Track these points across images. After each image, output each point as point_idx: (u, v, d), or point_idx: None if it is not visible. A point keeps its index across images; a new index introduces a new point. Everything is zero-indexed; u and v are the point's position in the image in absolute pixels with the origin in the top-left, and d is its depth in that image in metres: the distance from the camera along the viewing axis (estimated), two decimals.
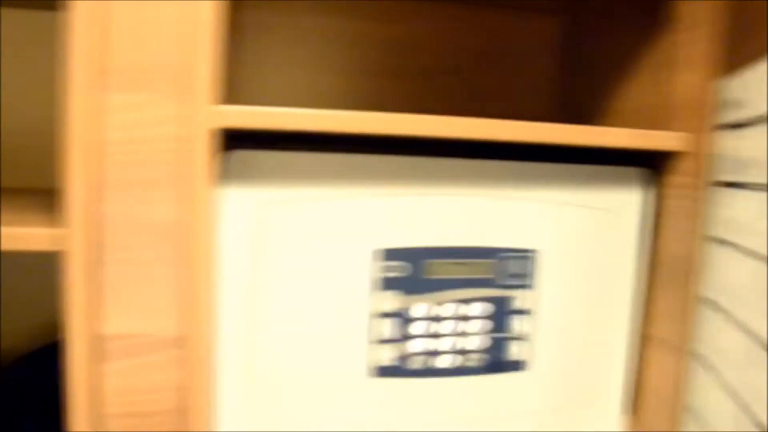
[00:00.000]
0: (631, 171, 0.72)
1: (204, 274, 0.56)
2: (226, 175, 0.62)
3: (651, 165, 0.73)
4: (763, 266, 0.51)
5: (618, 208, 0.72)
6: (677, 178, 0.70)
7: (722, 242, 0.58)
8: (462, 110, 1.05)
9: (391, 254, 0.66)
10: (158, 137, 0.55)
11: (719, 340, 0.57)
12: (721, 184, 0.59)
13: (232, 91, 0.96)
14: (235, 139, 0.66)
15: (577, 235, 0.71)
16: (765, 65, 0.53)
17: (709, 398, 0.58)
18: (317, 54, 0.99)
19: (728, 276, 0.56)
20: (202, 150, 0.55)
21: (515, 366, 0.71)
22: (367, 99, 1.01)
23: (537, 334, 0.71)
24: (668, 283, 0.71)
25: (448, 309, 0.68)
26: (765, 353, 0.49)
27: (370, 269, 0.66)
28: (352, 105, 1.01)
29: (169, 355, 0.58)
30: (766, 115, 0.52)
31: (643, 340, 0.75)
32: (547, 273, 0.71)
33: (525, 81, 1.07)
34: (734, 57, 0.59)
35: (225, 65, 0.86)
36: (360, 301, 0.66)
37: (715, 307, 0.59)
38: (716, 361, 0.57)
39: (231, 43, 0.96)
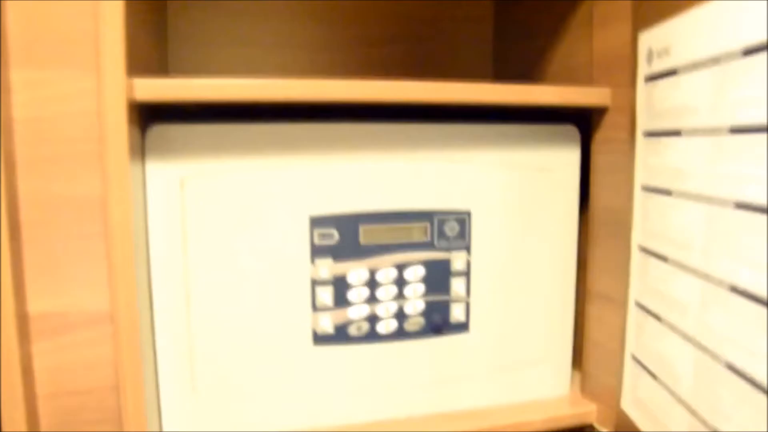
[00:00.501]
0: (566, 129, 0.71)
1: (124, 249, 0.55)
2: (146, 150, 0.61)
3: (585, 123, 0.73)
4: (705, 208, 0.50)
5: (555, 166, 0.71)
6: (607, 133, 0.69)
7: (660, 190, 0.58)
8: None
9: (325, 221, 0.65)
10: (70, 112, 0.54)
11: (668, 288, 0.56)
12: (656, 134, 0.58)
13: (174, 67, 0.94)
14: (166, 116, 0.64)
15: (514, 195, 0.70)
16: (689, 12, 0.52)
17: (663, 348, 0.58)
18: (258, 28, 0.97)
19: (670, 223, 0.56)
20: (117, 124, 0.54)
21: (457, 328, 0.71)
22: (308, 71, 1.00)
23: (477, 295, 0.71)
24: (605, 238, 0.71)
25: (386, 274, 0.67)
26: (723, 293, 0.49)
27: (304, 238, 0.65)
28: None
29: (100, 332, 0.58)
30: (694, 61, 0.52)
31: (586, 296, 0.75)
32: (484, 234, 0.70)
33: (464, 49, 1.06)
34: (656, 7, 0.58)
35: (155, 39, 0.84)
36: (296, 270, 0.65)
37: (660, 256, 0.58)
38: (666, 310, 0.57)
39: (172, 19, 0.94)
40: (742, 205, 0.46)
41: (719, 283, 0.49)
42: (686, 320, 0.54)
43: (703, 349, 0.51)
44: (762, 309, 0.44)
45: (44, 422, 0.57)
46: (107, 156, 0.54)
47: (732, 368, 0.48)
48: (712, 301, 0.50)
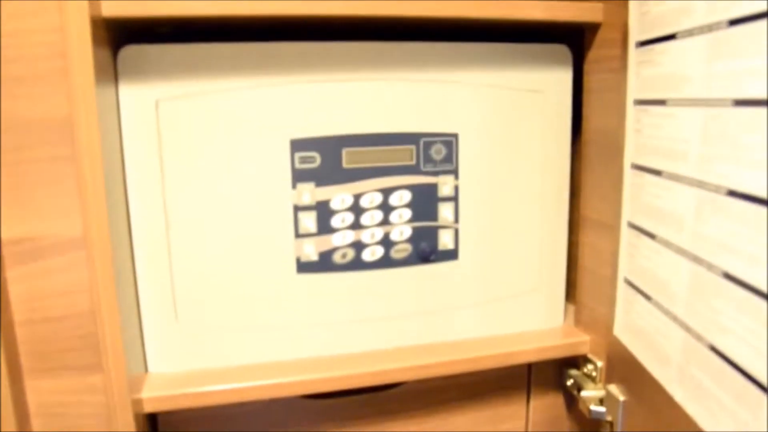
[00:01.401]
0: (558, 48, 0.67)
1: (93, 172, 0.52)
2: (119, 71, 0.57)
3: (576, 44, 0.69)
4: (701, 112, 0.46)
5: (546, 87, 0.67)
6: (599, 51, 0.65)
7: (654, 101, 0.54)
8: None
9: (306, 144, 0.62)
10: (34, 29, 0.50)
11: (662, 203, 0.53)
12: (649, 42, 0.54)
13: None
14: (141, 38, 0.60)
15: (504, 118, 0.67)
16: None
17: (657, 267, 0.55)
18: None
19: (665, 134, 0.52)
20: (81, 41, 0.50)
21: (445, 256, 0.68)
22: None
23: (466, 221, 0.68)
24: (597, 161, 0.67)
25: (371, 199, 0.64)
26: (721, 199, 0.45)
27: (285, 162, 0.62)
28: None
29: (73, 257, 0.55)
30: None
31: (579, 224, 0.72)
32: (473, 158, 0.66)
33: None
34: None
35: None
36: (277, 196, 0.62)
37: (653, 170, 0.54)
38: (660, 226, 0.54)
39: None
40: (741, 102, 0.42)
41: (716, 189, 0.46)
42: (681, 234, 0.51)
43: (699, 261, 0.48)
44: (762, 210, 0.40)
45: (22, 349, 0.55)
46: (72, 75, 0.50)
47: (729, 277, 0.44)
48: (708, 210, 0.47)
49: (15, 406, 0.54)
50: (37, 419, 0.57)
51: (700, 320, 0.48)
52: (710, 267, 0.47)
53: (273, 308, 0.64)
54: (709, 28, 0.46)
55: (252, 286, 0.63)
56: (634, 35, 0.57)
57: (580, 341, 0.71)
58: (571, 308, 0.76)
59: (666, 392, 0.54)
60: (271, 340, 0.65)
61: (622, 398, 0.63)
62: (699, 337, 0.48)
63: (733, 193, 0.44)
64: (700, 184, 0.48)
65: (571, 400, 0.75)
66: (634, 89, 0.58)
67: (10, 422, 0.54)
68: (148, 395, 0.60)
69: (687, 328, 0.50)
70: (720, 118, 0.45)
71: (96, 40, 0.51)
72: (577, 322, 0.74)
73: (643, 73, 0.56)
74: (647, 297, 0.57)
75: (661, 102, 0.53)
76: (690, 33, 0.48)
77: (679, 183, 0.51)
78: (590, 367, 0.70)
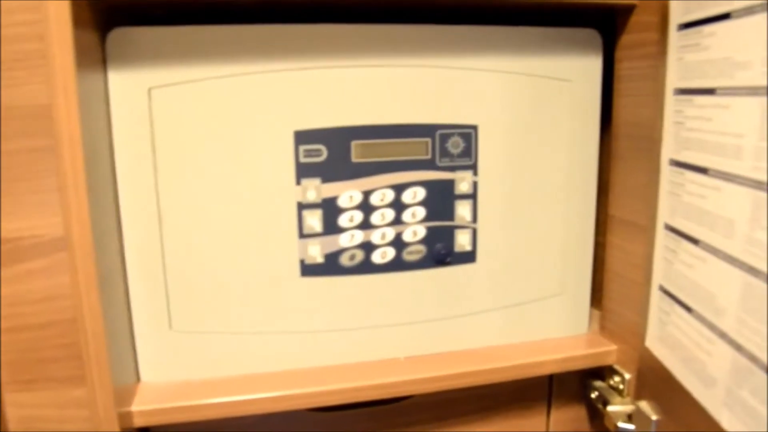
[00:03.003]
0: (587, 33, 0.60)
1: (74, 166, 0.46)
2: (108, 56, 0.51)
3: (607, 29, 0.62)
4: (761, 101, 0.39)
5: (574, 76, 0.60)
6: (633, 36, 0.58)
7: (701, 90, 0.47)
8: None
9: (311, 136, 0.55)
10: (9, 9, 0.44)
11: (708, 204, 0.46)
12: (696, 23, 0.47)
13: None
14: (133, 21, 0.54)
15: (527, 109, 0.60)
16: None
17: (700, 276, 0.48)
18: None
19: (713, 126, 0.45)
20: (62, 24, 0.44)
21: (462, 258, 0.61)
22: None
23: (485, 221, 0.61)
24: (629, 156, 0.60)
25: (381, 196, 0.58)
26: None
27: (289, 155, 0.55)
28: None
29: (56, 259, 0.49)
30: None
31: (607, 224, 0.65)
32: (493, 152, 0.60)
33: None
34: None
35: None
36: (280, 192, 0.56)
37: (698, 168, 0.48)
38: (706, 230, 0.47)
39: None
40: None
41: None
42: (732, 240, 0.44)
43: (754, 272, 0.41)
44: None
45: (5, 359, 0.49)
46: (51, 59, 0.44)
47: None
48: (766, 214, 0.40)
49: None
50: None
51: (754, 338, 0.41)
52: (766, 278, 0.40)
53: (275, 314, 0.58)
54: None
55: (252, 290, 0.57)
56: (676, 16, 0.50)
57: (607, 351, 0.64)
58: (596, 314, 0.69)
59: (708, 415, 0.47)
60: (272, 348, 0.59)
61: (654, 417, 0.56)
62: (753, 358, 0.42)
63: None
64: (757, 185, 0.41)
65: (595, 414, 0.69)
66: (675, 77, 0.51)
67: None
68: (138, 408, 0.55)
69: (738, 347, 0.43)
70: None
71: (79, 22, 0.45)
72: (603, 329, 0.67)
73: (687, 58, 0.49)
74: (687, 308, 0.50)
75: (708, 91, 0.46)
76: (750, 11, 0.41)
77: (731, 182, 0.44)
78: (617, 379, 0.64)
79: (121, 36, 0.51)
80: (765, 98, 0.39)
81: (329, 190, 0.56)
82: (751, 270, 0.41)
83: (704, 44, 0.47)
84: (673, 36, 0.51)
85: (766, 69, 0.39)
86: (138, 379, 0.57)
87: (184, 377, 0.58)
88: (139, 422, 0.54)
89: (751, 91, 0.41)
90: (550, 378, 0.68)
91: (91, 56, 0.49)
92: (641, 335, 0.58)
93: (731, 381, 0.44)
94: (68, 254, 0.48)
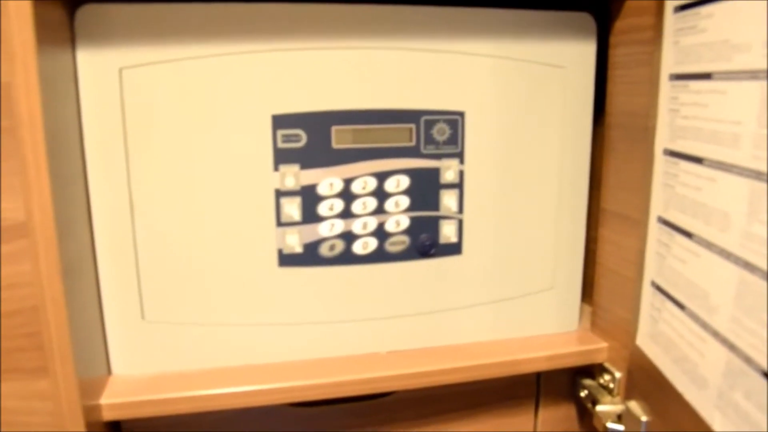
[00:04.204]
0: (580, 17, 0.57)
1: (35, 148, 0.43)
2: (76, 34, 0.48)
3: (601, 13, 0.58)
4: (760, 86, 0.36)
5: (566, 61, 0.57)
6: (628, 20, 0.55)
7: (697, 75, 0.44)
8: None
9: (290, 121, 0.52)
10: None
11: (703, 195, 0.43)
12: (694, 4, 0.44)
13: None
14: None
15: (517, 95, 0.57)
16: None
17: (694, 271, 0.45)
18: None
19: (710, 114, 0.42)
20: None
21: (447, 250, 0.58)
22: None
23: (472, 211, 0.58)
24: (622, 146, 0.57)
25: (363, 184, 0.55)
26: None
27: (266, 140, 0.52)
28: None
29: (19, 245, 0.46)
30: None
31: (599, 217, 0.62)
32: (480, 139, 0.57)
33: None
34: None
35: None
36: (257, 179, 0.53)
37: (693, 158, 0.44)
38: (700, 224, 0.44)
39: None
40: None
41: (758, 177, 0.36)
42: (728, 233, 0.41)
43: (750, 267, 0.38)
44: None
45: None
46: (8, 35, 0.41)
47: None
48: (764, 206, 0.37)
49: None
50: None
51: (748, 338, 0.38)
52: (764, 275, 0.37)
53: (251, 305, 0.55)
54: None
55: (228, 280, 0.54)
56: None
57: (597, 348, 0.61)
58: (587, 310, 0.66)
59: (699, 417, 0.44)
60: (249, 341, 0.56)
61: (644, 419, 0.53)
62: (747, 359, 0.39)
63: None
64: (756, 175, 0.38)
65: (584, 413, 0.66)
66: (671, 62, 0.48)
67: None
68: (108, 401, 0.52)
69: (732, 347, 0.40)
70: None
71: None
72: (594, 326, 0.64)
73: (683, 42, 0.46)
74: (680, 305, 0.47)
75: (705, 76, 0.43)
76: None
77: (727, 173, 0.41)
78: (607, 377, 0.61)
79: (90, 12, 0.48)
80: (765, 82, 0.36)
81: (308, 177, 0.53)
82: (747, 266, 0.38)
83: (701, 26, 0.43)
84: (669, 19, 0.48)
85: (766, 51, 0.36)
86: (109, 371, 0.55)
87: (157, 370, 0.55)
88: (108, 416, 0.52)
89: (751, 75, 0.38)
90: (538, 375, 0.65)
91: (57, 33, 0.46)
92: (632, 333, 0.55)
93: (724, 382, 0.41)
94: (29, 241, 0.45)
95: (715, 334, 0.42)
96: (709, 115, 0.43)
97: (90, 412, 0.49)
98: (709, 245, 0.43)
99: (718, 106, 0.42)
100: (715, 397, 0.42)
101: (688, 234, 0.46)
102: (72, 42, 0.49)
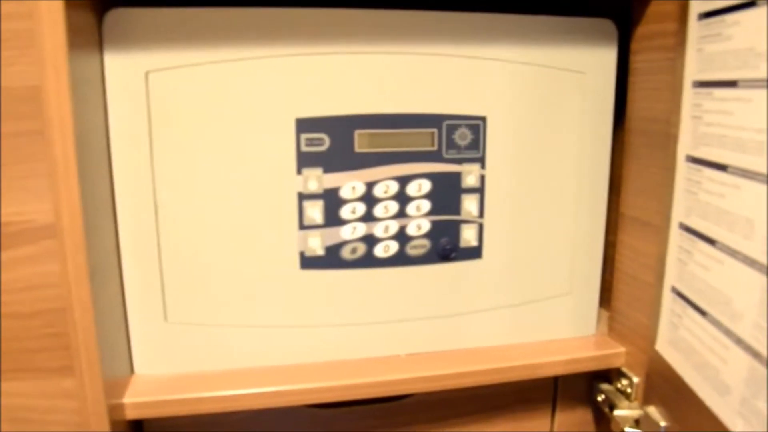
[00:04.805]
0: (601, 23, 0.57)
1: (65, 150, 0.44)
2: (104, 37, 0.49)
3: (622, 19, 0.58)
4: None
5: (587, 67, 0.57)
6: (650, 26, 0.55)
7: (722, 83, 0.44)
8: None
9: (314, 125, 0.53)
10: None
11: (727, 203, 0.43)
12: (718, 12, 0.44)
13: None
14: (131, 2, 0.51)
15: (538, 100, 0.57)
16: None
17: (717, 278, 0.45)
18: None
19: (735, 121, 0.42)
20: (53, 3, 0.41)
21: (468, 254, 0.58)
22: None
23: (492, 216, 0.58)
24: (643, 151, 0.57)
25: (385, 188, 0.55)
26: None
27: (290, 144, 0.53)
28: None
29: (45, 246, 0.46)
30: None
31: (618, 222, 0.62)
32: (502, 144, 0.57)
33: None
34: None
35: None
36: (280, 182, 0.53)
37: (717, 165, 0.45)
38: (724, 231, 0.44)
39: None
40: None
41: None
42: (752, 241, 0.41)
43: None
44: None
45: None
46: (41, 39, 0.42)
47: None
48: None
49: None
50: (6, 424, 0.49)
51: None
52: None
53: (273, 307, 0.56)
54: None
55: (250, 281, 0.55)
56: (697, 5, 0.47)
57: (615, 353, 0.61)
58: (604, 315, 0.66)
59: (719, 423, 0.45)
60: (270, 342, 0.56)
61: (663, 424, 0.53)
62: None
63: None
64: None
65: (602, 418, 0.66)
66: (694, 69, 0.48)
67: None
68: (131, 400, 0.52)
69: (755, 354, 0.40)
70: None
71: (73, 1, 0.43)
72: (611, 331, 0.64)
73: (707, 49, 0.46)
74: (701, 312, 0.47)
75: (730, 83, 0.43)
76: None
77: (752, 180, 0.41)
78: (625, 382, 0.61)
79: (118, 17, 0.49)
80: None
81: (331, 180, 0.54)
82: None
83: (726, 34, 0.44)
84: (693, 26, 0.48)
85: None
86: (132, 371, 0.55)
87: (179, 370, 0.56)
88: (131, 415, 0.52)
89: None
90: (556, 379, 0.65)
91: (85, 37, 0.47)
92: (651, 338, 0.55)
93: (747, 389, 0.41)
94: (57, 242, 0.45)
95: (738, 341, 0.42)
96: (733, 122, 0.43)
97: (114, 410, 0.50)
98: (732, 252, 0.43)
99: (743, 114, 0.42)
100: (737, 403, 0.42)
101: (711, 241, 0.46)
102: (100, 45, 0.49)
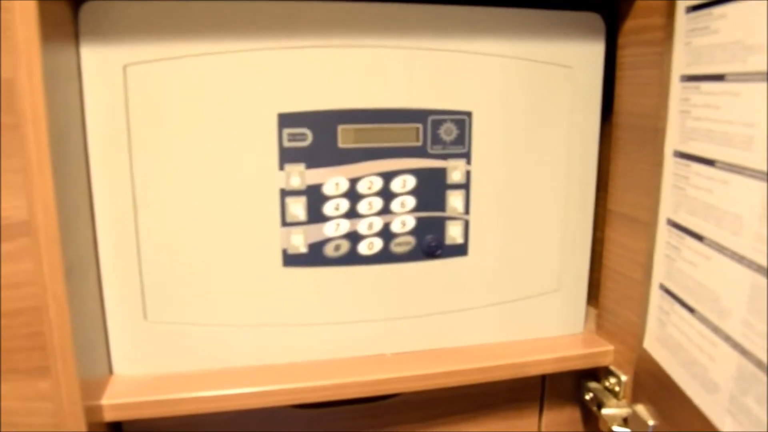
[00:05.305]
0: (589, 17, 0.57)
1: (39, 146, 0.42)
2: (80, 30, 0.48)
3: (609, 13, 0.58)
4: None
5: (574, 62, 0.57)
6: (637, 21, 0.55)
7: (710, 77, 0.43)
8: None
9: (296, 119, 0.52)
10: None
11: (715, 198, 0.43)
12: (706, 5, 0.44)
13: None
14: None
15: (525, 95, 0.56)
16: None
17: (705, 275, 0.44)
18: None
19: (722, 115, 0.42)
20: None
21: (453, 251, 0.58)
22: None
23: (478, 212, 0.57)
24: (631, 147, 0.57)
25: (369, 184, 0.54)
26: None
27: (272, 139, 0.52)
28: None
29: (21, 244, 0.45)
30: None
31: (605, 219, 0.61)
32: (487, 140, 0.56)
33: None
34: None
35: None
36: (262, 178, 0.52)
37: (705, 159, 0.44)
38: (712, 227, 0.43)
39: None
40: None
41: None
42: (740, 237, 0.40)
43: (764, 271, 0.38)
44: None
45: None
46: (13, 31, 0.41)
47: None
48: None
49: None
50: None
51: (761, 343, 0.38)
52: None
53: (255, 305, 0.55)
54: None
55: (232, 280, 0.54)
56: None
57: (603, 351, 0.61)
58: (592, 313, 0.65)
59: (708, 421, 0.44)
60: (252, 341, 0.55)
61: (651, 422, 0.53)
62: (759, 364, 0.38)
63: None
64: None
65: (590, 416, 0.65)
66: (682, 63, 0.48)
67: None
68: (109, 402, 0.51)
69: (744, 351, 0.40)
70: None
71: None
72: (599, 329, 0.63)
73: (695, 43, 0.45)
74: (689, 309, 0.47)
75: (718, 77, 0.43)
76: None
77: (740, 175, 0.40)
78: (613, 380, 0.60)
79: (95, 9, 0.48)
80: None
81: (314, 176, 0.53)
82: (760, 269, 0.38)
83: (714, 27, 0.43)
84: (681, 19, 0.47)
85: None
86: (111, 371, 0.54)
87: (160, 370, 0.55)
88: (109, 416, 0.51)
89: (764, 76, 0.37)
90: (543, 378, 0.64)
91: (61, 29, 0.46)
92: (640, 336, 0.55)
93: (735, 387, 0.41)
94: (32, 239, 0.44)
95: (727, 338, 0.42)
96: (721, 116, 0.42)
97: (91, 412, 0.49)
98: (720, 248, 0.42)
99: (730, 108, 0.41)
100: (726, 401, 0.42)
101: (698, 237, 0.45)
102: (76, 38, 0.48)
